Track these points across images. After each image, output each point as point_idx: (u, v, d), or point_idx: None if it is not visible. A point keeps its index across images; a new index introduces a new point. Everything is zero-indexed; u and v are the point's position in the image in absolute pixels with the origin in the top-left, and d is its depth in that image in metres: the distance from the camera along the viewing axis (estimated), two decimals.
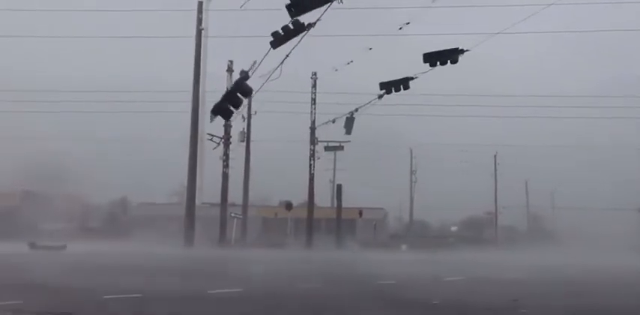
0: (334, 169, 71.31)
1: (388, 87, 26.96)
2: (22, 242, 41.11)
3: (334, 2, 18.23)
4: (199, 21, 44.64)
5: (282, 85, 45.66)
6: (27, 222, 53.68)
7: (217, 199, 50.36)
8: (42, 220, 54.54)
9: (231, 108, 19.72)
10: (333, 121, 44.15)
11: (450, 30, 76.49)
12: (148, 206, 66.53)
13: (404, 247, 59.46)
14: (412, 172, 74.27)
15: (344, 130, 40.49)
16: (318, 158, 54.87)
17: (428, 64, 24.23)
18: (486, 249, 54.66)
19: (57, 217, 57.84)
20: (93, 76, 63.13)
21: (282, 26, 19.09)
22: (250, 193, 56.56)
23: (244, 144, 53.52)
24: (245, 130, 52.84)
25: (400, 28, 26.93)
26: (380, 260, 35.60)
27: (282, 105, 54.54)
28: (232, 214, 51.69)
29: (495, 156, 72.56)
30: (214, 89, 49.64)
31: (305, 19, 18.87)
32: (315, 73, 53.60)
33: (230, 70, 49.10)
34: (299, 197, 59.83)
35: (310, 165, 54.04)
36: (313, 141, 53.88)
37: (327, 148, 55.99)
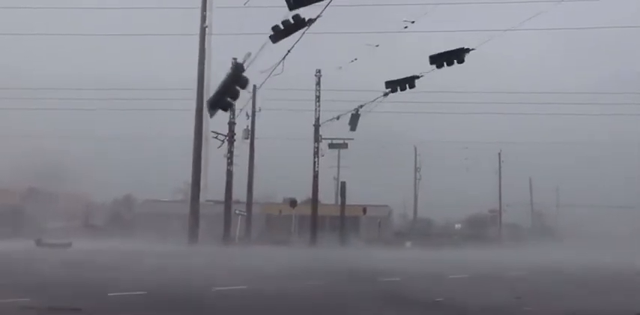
0: (338, 167, 71.39)
1: (394, 86, 27.01)
2: (26, 240, 41.24)
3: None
4: (203, 18, 44.62)
5: (286, 82, 45.81)
6: (31, 220, 53.83)
7: (222, 197, 50.42)
8: (45, 218, 54.70)
9: (230, 100, 19.50)
10: (338, 118, 44.17)
11: (451, 28, 76.63)
12: (153, 203, 66.60)
13: (408, 244, 59.47)
14: (416, 170, 74.38)
15: (348, 128, 40.46)
16: (322, 155, 54.87)
17: (434, 66, 24.34)
18: (490, 247, 54.64)
19: (60, 215, 58.01)
20: (94, 74, 63.27)
21: (282, 21, 19.07)
22: (254, 191, 56.66)
23: (248, 141, 53.52)
24: (249, 127, 52.84)
25: (406, 27, 26.97)
26: (384, 257, 35.64)
27: (287, 102, 54.69)
28: (236, 212, 51.73)
29: (499, 153, 72.53)
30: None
31: (306, 14, 18.88)
32: (319, 71, 53.64)
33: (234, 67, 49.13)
34: (303, 194, 59.94)
35: (314, 162, 54.05)
36: (317, 138, 53.85)
37: (331, 146, 55.97)
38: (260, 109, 53.15)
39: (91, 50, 70.16)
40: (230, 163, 48.57)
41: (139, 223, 62.80)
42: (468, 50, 23.99)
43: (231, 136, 48.38)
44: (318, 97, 53.46)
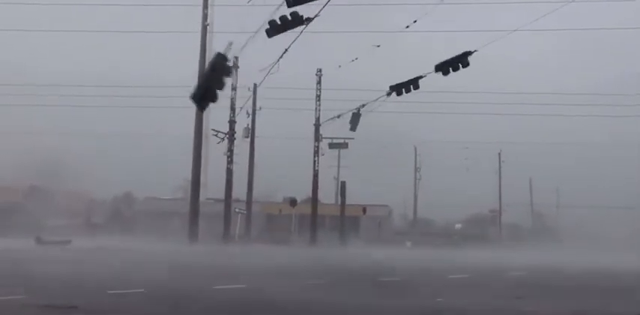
0: (338, 166, 71.32)
1: (399, 89, 26.97)
2: (26, 238, 41.21)
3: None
4: (204, 16, 44.57)
5: (286, 81, 45.94)
6: (31, 217, 53.81)
7: (222, 195, 50.36)
8: (46, 216, 54.68)
9: (217, 91, 19.11)
10: (339, 117, 44.10)
11: (452, 28, 76.72)
12: (153, 201, 66.59)
13: (408, 244, 59.43)
14: (416, 170, 74.36)
15: (348, 127, 40.40)
16: (323, 155, 54.81)
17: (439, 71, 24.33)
18: (490, 247, 54.61)
19: (61, 212, 57.99)
20: (96, 72, 63.26)
21: (280, 16, 18.98)
22: (254, 189, 56.57)
23: (249, 140, 53.48)
24: (249, 126, 52.78)
25: (407, 27, 26.90)
26: (384, 257, 35.60)
27: (287, 101, 54.61)
28: (236, 210, 51.69)
29: (499, 154, 72.55)
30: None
31: (304, 12, 18.80)
32: (320, 70, 53.58)
33: (235, 66, 49.08)
34: (303, 194, 59.88)
35: (314, 162, 54.00)
36: (318, 138, 53.81)
37: (331, 146, 55.91)
38: (260, 108, 53.12)
39: (93, 48, 70.20)
40: (230, 161, 48.51)
41: (139, 221, 62.81)
42: (470, 53, 23.98)
43: (231, 135, 48.31)
44: (318, 96, 53.42)
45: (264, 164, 56.92)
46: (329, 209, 59.35)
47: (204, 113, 44.39)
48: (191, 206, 44.41)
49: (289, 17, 18.77)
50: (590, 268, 29.72)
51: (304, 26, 19.34)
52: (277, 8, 18.24)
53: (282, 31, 19.13)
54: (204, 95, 15.25)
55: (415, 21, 26.49)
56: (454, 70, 24.48)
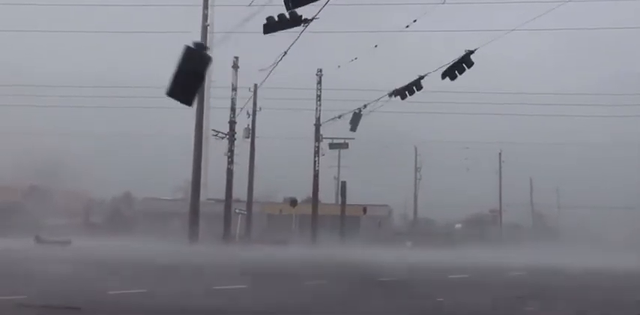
0: (339, 166, 71.27)
1: (402, 92, 26.96)
2: (26, 237, 41.19)
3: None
4: (204, 17, 44.54)
5: (287, 81, 45.96)
6: (30, 217, 53.78)
7: (222, 196, 50.33)
8: (46, 216, 54.65)
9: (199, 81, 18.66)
10: (339, 117, 44.08)
11: (451, 28, 76.66)
12: (153, 202, 66.58)
13: (409, 244, 59.40)
14: (417, 170, 74.33)
15: (348, 127, 40.35)
16: (323, 155, 54.81)
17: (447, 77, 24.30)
18: (491, 247, 54.58)
19: (60, 212, 57.98)
20: (95, 72, 63.18)
21: (278, 14, 18.94)
22: (255, 190, 56.55)
23: (249, 140, 53.47)
24: (250, 126, 52.78)
25: (407, 26, 26.84)
26: (384, 257, 35.56)
27: (287, 102, 54.62)
28: (237, 211, 51.68)
29: (500, 154, 72.55)
30: (219, 85, 49.90)
31: (304, 13, 18.76)
32: (320, 70, 53.59)
33: (235, 66, 49.12)
34: (303, 194, 59.90)
35: (315, 162, 54.00)
36: (318, 138, 53.81)
37: (331, 146, 55.89)
38: (261, 109, 53.09)
39: (92, 48, 70.06)
40: (230, 161, 48.49)
41: (138, 221, 62.80)
42: (472, 52, 23.96)
43: (231, 135, 48.30)
44: (319, 97, 53.42)
45: (265, 164, 56.93)
46: (329, 209, 59.33)
47: (205, 113, 44.48)
48: (191, 206, 44.37)
49: (287, 15, 18.74)
50: (591, 268, 29.69)
51: (304, 28, 19.30)
52: (280, 9, 18.17)
53: (280, 29, 19.06)
54: (183, 89, 14.90)
55: (415, 20, 26.42)
56: (460, 73, 24.46)
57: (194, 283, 18.87)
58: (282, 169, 64.87)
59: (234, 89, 48.71)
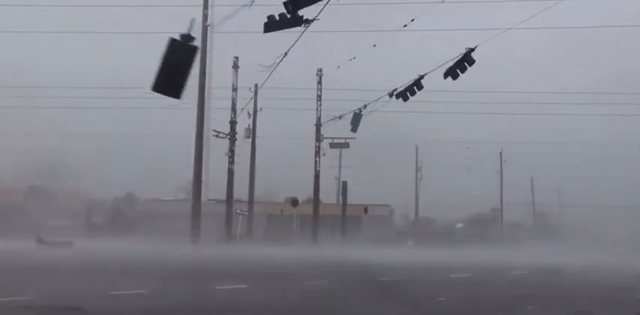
0: (340, 166, 71.18)
1: (404, 94, 26.95)
2: (27, 239, 41.20)
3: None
4: (204, 17, 44.52)
5: (287, 81, 45.95)
6: (32, 218, 53.80)
7: (223, 196, 50.32)
8: (47, 217, 54.67)
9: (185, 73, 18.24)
10: (340, 118, 44.08)
11: (451, 27, 76.67)
12: (154, 202, 66.57)
13: (410, 243, 59.38)
14: (418, 169, 74.30)
15: (349, 127, 40.37)
16: (324, 155, 54.76)
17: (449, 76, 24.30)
18: (492, 246, 54.57)
19: (62, 213, 58.01)
20: (96, 72, 63.23)
21: (279, 13, 18.95)
22: (256, 190, 56.53)
23: (250, 140, 53.48)
24: (250, 126, 52.80)
25: (405, 26, 26.85)
26: (386, 257, 35.59)
27: (288, 102, 54.60)
28: (238, 211, 51.65)
29: (501, 153, 72.51)
30: (220, 86, 49.93)
31: (304, 13, 18.78)
32: (320, 70, 53.56)
33: (236, 66, 49.13)
34: (304, 194, 59.80)
35: (316, 162, 54.00)
36: (319, 138, 53.78)
37: (332, 146, 55.88)
38: (261, 109, 53.10)
39: (93, 48, 70.06)
40: (231, 162, 48.50)
41: (140, 222, 62.78)
42: (472, 50, 23.96)
43: (232, 135, 48.32)
44: (319, 96, 53.40)
45: (266, 165, 56.94)
46: (330, 209, 59.30)
47: (205, 114, 44.45)
48: (193, 207, 44.36)
49: (288, 15, 18.76)
50: (592, 267, 29.71)
51: (304, 28, 19.33)
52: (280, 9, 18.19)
53: (280, 29, 19.08)
54: (168, 82, 14.67)
55: (413, 19, 26.43)
56: (462, 72, 24.46)
57: (196, 283, 18.90)
58: (283, 169, 64.89)
59: (235, 89, 48.74)
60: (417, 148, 73.12)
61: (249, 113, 51.57)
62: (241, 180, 52.28)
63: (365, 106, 36.19)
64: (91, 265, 25.98)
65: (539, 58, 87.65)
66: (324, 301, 15.55)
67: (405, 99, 27.03)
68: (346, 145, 56.52)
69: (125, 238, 48.32)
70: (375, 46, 32.29)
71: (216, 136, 47.92)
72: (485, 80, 64.77)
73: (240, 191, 53.66)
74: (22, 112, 56.40)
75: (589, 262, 32.73)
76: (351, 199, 58.39)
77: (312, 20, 18.93)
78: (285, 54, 24.93)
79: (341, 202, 58.78)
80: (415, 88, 26.53)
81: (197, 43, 15.92)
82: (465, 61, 24.10)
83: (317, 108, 53.38)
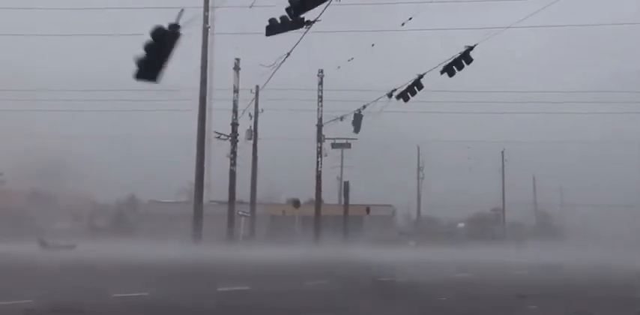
0: (341, 167, 71.26)
1: (405, 94, 26.98)
2: (30, 242, 41.24)
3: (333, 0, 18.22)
4: (205, 19, 44.59)
5: (288, 82, 45.96)
6: (34, 221, 53.84)
7: (225, 197, 50.36)
8: (49, 220, 54.72)
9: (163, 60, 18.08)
10: (341, 119, 44.09)
11: (451, 26, 76.66)
12: (156, 204, 66.60)
13: (412, 243, 59.40)
14: (419, 169, 74.33)
15: (350, 128, 40.24)
16: (325, 155, 54.77)
17: (445, 73, 24.34)
18: (494, 245, 54.59)
19: (64, 215, 58.06)
20: (97, 73, 63.16)
21: (280, 16, 19.00)
22: (257, 191, 56.55)
23: (251, 142, 53.51)
24: (252, 127, 52.84)
25: (403, 24, 26.86)
26: (388, 257, 35.63)
27: (289, 103, 54.66)
28: (240, 213, 51.67)
29: (502, 152, 72.50)
30: (221, 87, 49.96)
31: (306, 14, 18.82)
32: (321, 71, 53.58)
33: (237, 68, 49.18)
34: (306, 195, 59.80)
35: (317, 162, 54.02)
36: (320, 138, 53.81)
37: (334, 146, 55.92)
38: (262, 110, 53.17)
39: (93, 49, 70.06)
40: (233, 163, 48.55)
41: (143, 224, 62.81)
42: (471, 48, 23.99)
43: (234, 137, 48.39)
44: (320, 97, 53.43)
45: (267, 166, 56.96)
46: (332, 210, 59.32)
47: (207, 115, 44.51)
48: (195, 208, 44.46)
49: (289, 18, 18.81)
50: (593, 266, 29.74)
51: (306, 30, 19.38)
52: (280, 10, 18.26)
53: (282, 31, 19.14)
54: (147, 67, 14.75)
55: (410, 18, 26.45)
56: (459, 70, 24.48)
57: (198, 285, 18.95)
58: (285, 170, 64.92)
59: (236, 91, 48.78)
60: (418, 148, 73.20)
61: (250, 115, 51.67)
62: (243, 181, 52.36)
63: (364, 107, 36.15)
64: (93, 267, 26.04)
65: (539, 58, 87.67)
66: (326, 302, 15.59)
67: (406, 99, 27.05)
68: (348, 146, 56.60)
69: (127, 240, 48.36)
70: (373, 45, 32.30)
71: (218, 137, 47.98)
72: (486, 80, 64.88)
73: (242, 193, 53.73)
74: (23, 113, 56.45)
75: (590, 261, 32.77)
76: (353, 200, 58.46)
77: (314, 21, 19.00)
78: (288, 54, 24.93)
79: (343, 203, 58.82)
80: (415, 87, 26.55)
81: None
82: (463, 59, 24.14)
83: (318, 109, 53.42)
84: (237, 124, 48.84)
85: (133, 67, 14.06)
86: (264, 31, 19.29)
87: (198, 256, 35.57)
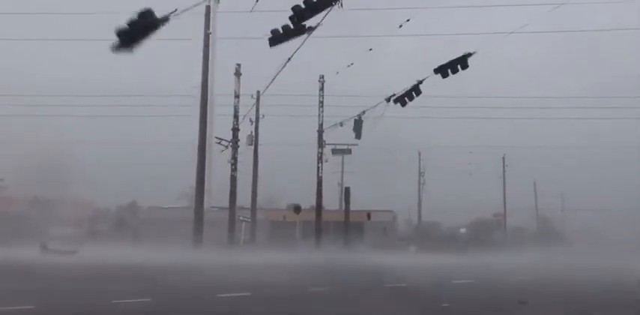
0: (342, 172, 71.28)
1: (402, 99, 27.01)
2: (31, 248, 41.21)
3: (335, 6, 18.30)
4: (207, 25, 44.67)
5: (289, 88, 46.02)
6: (35, 227, 53.80)
7: (226, 203, 50.34)
8: (50, 226, 54.66)
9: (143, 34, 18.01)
10: (341, 125, 44.12)
11: (452, 32, 76.79)
12: (157, 210, 66.55)
13: (412, 248, 59.33)
14: (420, 175, 74.30)
15: (351, 133, 40.30)
16: (326, 161, 54.76)
17: (438, 74, 24.38)
18: (495, 251, 54.54)
19: (65, 222, 58.01)
20: (98, 79, 63.24)
21: (282, 25, 19.04)
22: (258, 197, 56.53)
23: (252, 147, 53.54)
24: (253, 133, 52.91)
25: (400, 26, 26.90)
26: (389, 263, 35.60)
27: (290, 108, 54.67)
28: (240, 218, 51.63)
29: (503, 158, 72.48)
30: (222, 93, 50.02)
31: (306, 21, 18.87)
32: (322, 76, 53.63)
33: (238, 73, 49.23)
34: (307, 200, 59.74)
35: (318, 168, 53.99)
36: (321, 144, 53.80)
37: (334, 152, 55.93)
38: (263, 116, 53.24)
39: (94, 55, 70.02)
40: (234, 169, 48.57)
41: (143, 230, 62.78)
42: (470, 54, 24.03)
43: (235, 142, 48.42)
44: (321, 103, 53.45)
45: (268, 171, 56.97)
46: (333, 215, 59.28)
47: (208, 121, 44.56)
48: (195, 214, 44.47)
49: (291, 26, 18.86)
50: (595, 270, 29.69)
51: (307, 35, 19.44)
52: (281, 16, 18.36)
53: (285, 41, 19.22)
54: (124, 39, 15.03)
55: (408, 19, 26.52)
56: (453, 73, 24.54)
57: (198, 291, 18.92)
58: (286, 175, 64.91)
59: (237, 96, 48.83)
60: (419, 153, 73.19)
61: (251, 120, 51.74)
62: (244, 187, 52.35)
63: (364, 112, 36.17)
64: (94, 273, 26.02)
65: (539, 63, 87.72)
66: (327, 307, 15.57)
67: (403, 104, 27.08)
68: (348, 151, 56.63)
69: (128, 246, 48.35)
70: (370, 50, 32.41)
71: (219, 143, 48.00)
72: (487, 85, 64.98)
73: (243, 198, 53.73)
74: (24, 119, 56.52)
75: (591, 265, 32.72)
76: (354, 205, 58.39)
77: (315, 27, 19.06)
78: (289, 59, 25.01)
79: (344, 208, 58.78)
80: (413, 93, 26.59)
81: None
82: (459, 63, 24.19)
83: (319, 114, 53.40)
84: (238, 130, 48.88)
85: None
86: (265, 36, 19.37)
87: (198, 262, 35.51)
